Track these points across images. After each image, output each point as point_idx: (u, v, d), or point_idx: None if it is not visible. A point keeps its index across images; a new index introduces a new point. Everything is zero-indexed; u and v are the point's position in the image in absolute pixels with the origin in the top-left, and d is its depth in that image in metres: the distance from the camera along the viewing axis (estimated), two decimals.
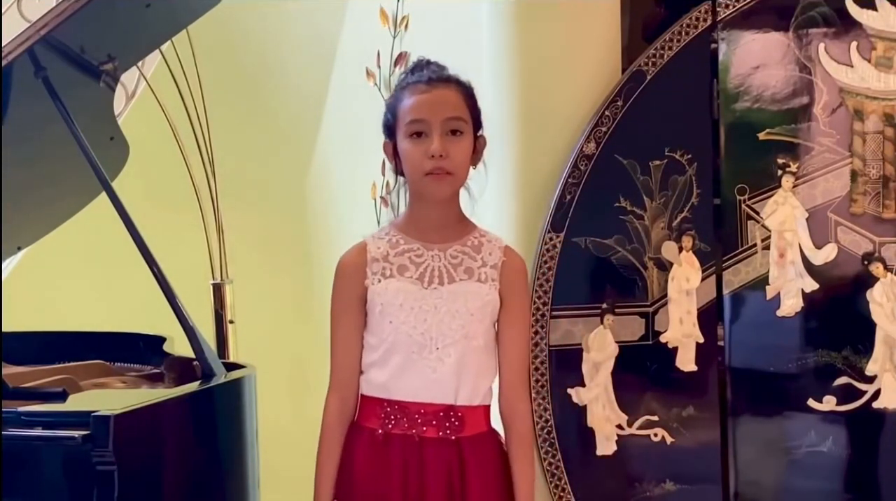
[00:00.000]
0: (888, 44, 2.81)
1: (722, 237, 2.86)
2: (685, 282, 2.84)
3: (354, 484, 2.12)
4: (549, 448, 2.84)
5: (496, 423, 2.18)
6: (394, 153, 2.14)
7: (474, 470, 2.09)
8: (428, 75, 2.11)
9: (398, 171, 2.16)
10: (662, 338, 2.84)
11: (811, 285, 2.83)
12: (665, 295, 2.84)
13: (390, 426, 2.10)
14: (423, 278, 2.10)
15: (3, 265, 3.41)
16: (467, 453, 2.09)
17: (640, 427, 2.84)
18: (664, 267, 2.84)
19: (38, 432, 2.07)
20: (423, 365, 2.09)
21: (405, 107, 2.10)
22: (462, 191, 2.16)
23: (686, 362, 2.85)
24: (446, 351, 2.08)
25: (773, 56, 2.83)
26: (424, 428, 2.09)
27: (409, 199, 2.17)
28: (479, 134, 2.14)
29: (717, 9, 2.83)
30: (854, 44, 2.81)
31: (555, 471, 2.84)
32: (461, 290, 2.10)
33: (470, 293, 2.10)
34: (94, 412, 2.03)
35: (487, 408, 2.15)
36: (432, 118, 2.06)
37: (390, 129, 2.15)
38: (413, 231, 2.14)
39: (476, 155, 2.13)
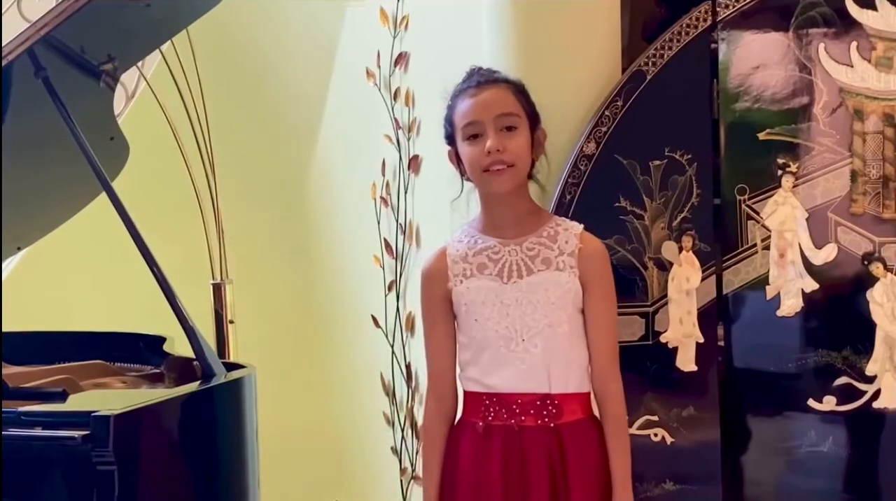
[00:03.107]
0: (888, 44, 2.81)
1: (722, 237, 2.86)
2: (685, 282, 2.84)
3: (458, 476, 2.20)
4: None
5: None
6: (457, 159, 2.21)
7: (574, 456, 2.15)
8: (477, 80, 2.19)
9: (464, 176, 2.22)
10: (662, 338, 2.84)
11: (811, 285, 2.83)
12: (665, 295, 2.84)
13: (490, 418, 2.17)
14: (503, 273, 2.17)
15: (3, 265, 3.41)
16: (567, 439, 2.15)
17: (640, 428, 2.84)
18: (664, 267, 2.84)
19: (38, 432, 2.07)
20: (512, 358, 2.16)
21: (459, 114, 2.17)
22: (532, 185, 2.23)
23: (686, 362, 2.85)
24: (532, 341, 2.15)
25: (773, 56, 2.83)
26: (523, 418, 2.15)
27: (480, 200, 2.23)
28: (537, 127, 2.21)
29: (717, 9, 2.83)
30: (854, 44, 2.81)
31: None
32: (540, 281, 2.16)
33: (549, 282, 2.16)
34: (94, 412, 2.03)
35: (585, 396, 2.21)
36: (484, 118, 2.14)
37: (451, 138, 2.22)
38: (489, 229, 2.21)
39: (537, 147, 2.20)
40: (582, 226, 2.22)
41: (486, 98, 2.15)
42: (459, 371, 2.24)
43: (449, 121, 2.21)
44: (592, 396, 2.23)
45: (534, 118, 2.20)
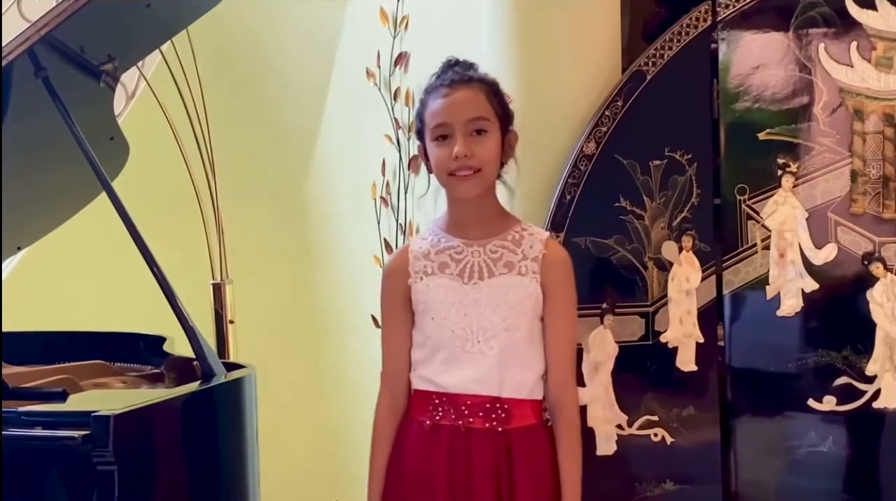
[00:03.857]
0: (888, 44, 2.81)
1: (722, 237, 2.86)
2: (685, 282, 2.84)
3: (404, 473, 2.19)
4: None
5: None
6: (426, 156, 2.20)
7: (522, 462, 2.14)
8: (451, 77, 2.16)
9: (431, 173, 2.21)
10: (662, 338, 2.84)
11: (811, 285, 2.83)
12: (665, 295, 2.84)
13: (438, 417, 2.16)
14: (464, 274, 2.16)
15: (3, 265, 3.41)
16: (515, 445, 2.14)
17: (640, 428, 2.84)
18: (664, 267, 2.84)
19: (38, 432, 2.07)
20: (466, 359, 2.14)
21: (430, 112, 2.15)
22: (501, 187, 2.22)
23: (686, 362, 2.85)
24: (488, 343, 2.14)
25: (773, 56, 2.82)
26: (471, 420, 2.14)
27: (446, 199, 2.22)
28: (508, 129, 2.19)
29: (717, 9, 2.83)
30: (854, 44, 2.80)
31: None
32: (501, 284, 2.14)
33: (510, 286, 2.14)
34: (94, 412, 2.03)
35: (537, 403, 2.19)
36: (454, 120, 2.11)
37: (420, 134, 2.20)
38: (453, 229, 2.20)
39: (507, 150, 2.19)
40: (548, 232, 2.21)
41: (457, 99, 2.12)
42: (412, 369, 2.22)
43: (420, 118, 2.19)
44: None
45: (505, 120, 2.18)
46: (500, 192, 2.26)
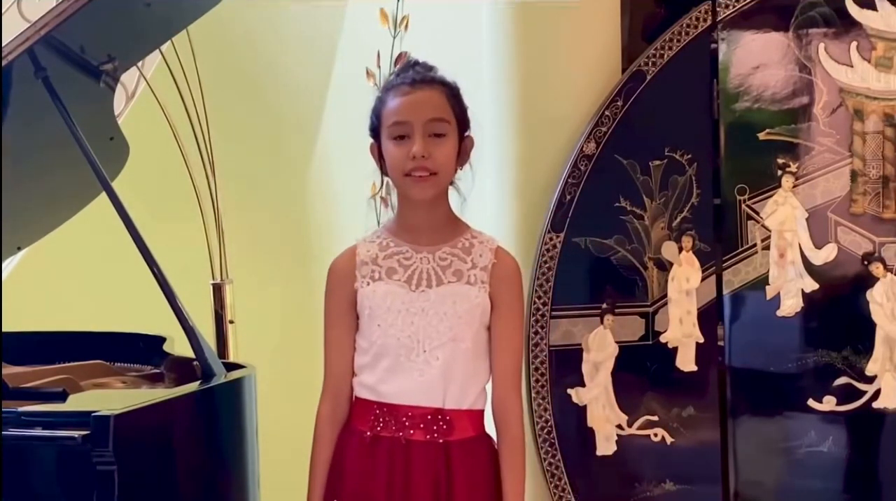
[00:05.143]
0: (888, 44, 2.81)
1: (722, 237, 2.86)
2: (685, 282, 2.84)
3: (344, 485, 2.13)
4: (549, 448, 2.84)
5: (490, 429, 2.17)
6: (379, 155, 2.14)
7: (461, 475, 2.09)
8: (412, 76, 2.10)
9: (384, 173, 2.15)
10: (662, 338, 2.84)
11: (811, 285, 2.83)
12: (665, 295, 2.84)
13: (379, 428, 2.10)
14: (412, 281, 2.10)
15: (3, 265, 3.41)
16: (455, 457, 2.09)
17: (640, 428, 2.84)
18: (664, 267, 2.84)
19: (38, 432, 2.07)
20: (410, 368, 2.09)
21: (388, 110, 2.09)
22: (454, 193, 2.15)
23: (686, 362, 2.85)
24: (433, 353, 2.08)
25: (773, 56, 2.83)
26: (412, 431, 2.09)
27: (398, 202, 2.16)
28: (465, 134, 2.13)
29: (717, 9, 2.83)
30: (854, 44, 2.81)
31: (555, 471, 2.84)
32: (449, 292, 2.09)
33: (458, 295, 2.09)
34: (94, 412, 2.03)
35: (479, 413, 2.14)
36: (414, 120, 2.06)
37: (375, 132, 2.14)
38: (402, 233, 2.14)
39: (463, 155, 2.13)
40: (497, 241, 2.15)
41: (418, 99, 2.07)
42: (354, 375, 2.16)
43: (376, 114, 2.12)
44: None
45: (463, 124, 2.12)
46: (453, 198, 2.21)
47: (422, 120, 2.06)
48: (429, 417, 2.09)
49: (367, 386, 2.13)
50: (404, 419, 2.09)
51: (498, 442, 2.14)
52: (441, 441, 2.08)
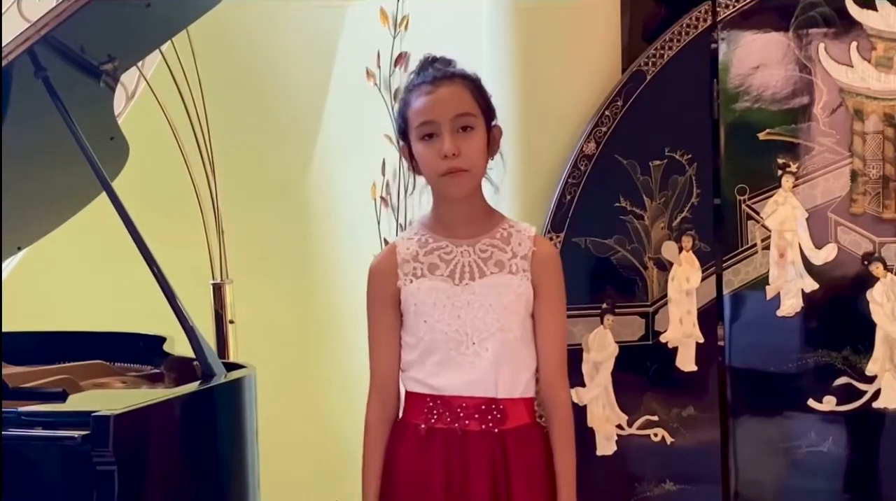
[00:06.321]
0: (888, 44, 2.81)
1: (722, 237, 2.86)
2: (685, 282, 2.84)
3: (398, 479, 2.15)
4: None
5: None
6: (410, 155, 2.15)
7: (518, 462, 2.11)
8: (433, 74, 2.11)
9: (416, 172, 2.16)
10: (662, 338, 2.84)
11: (811, 285, 2.83)
12: (665, 295, 2.84)
13: (433, 420, 2.12)
14: (454, 275, 2.12)
15: (3, 265, 3.41)
16: (510, 445, 2.11)
17: (640, 427, 2.84)
18: (664, 267, 2.84)
19: (38, 432, 2.07)
20: (461, 361, 2.11)
21: (413, 110, 2.10)
22: (485, 184, 2.17)
23: (686, 362, 2.85)
24: (483, 345, 2.10)
25: (773, 56, 2.83)
26: (467, 422, 2.10)
27: (433, 198, 2.17)
28: (493, 124, 2.15)
29: (717, 9, 2.83)
30: (854, 44, 2.81)
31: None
32: (493, 284, 2.11)
33: (502, 286, 2.11)
34: (94, 412, 2.03)
35: (530, 401, 2.16)
36: (440, 118, 2.07)
37: (403, 133, 2.15)
38: (440, 229, 2.15)
39: (493, 146, 2.14)
40: (534, 228, 2.17)
41: (442, 96, 2.08)
42: (402, 371, 2.18)
43: (402, 116, 2.14)
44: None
45: (489, 115, 2.13)
46: (486, 189, 2.23)
47: (448, 116, 2.07)
48: (483, 407, 2.11)
49: (417, 381, 2.15)
50: (459, 410, 2.11)
51: (548, 426, 2.17)
52: (496, 430, 2.11)
